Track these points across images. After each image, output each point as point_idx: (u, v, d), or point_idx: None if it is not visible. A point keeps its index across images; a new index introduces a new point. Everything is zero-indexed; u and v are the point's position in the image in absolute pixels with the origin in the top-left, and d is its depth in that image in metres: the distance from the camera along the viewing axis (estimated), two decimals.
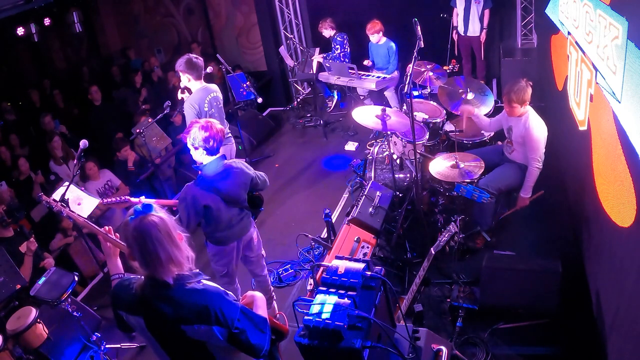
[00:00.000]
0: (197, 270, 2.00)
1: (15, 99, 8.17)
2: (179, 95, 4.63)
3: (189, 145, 3.09)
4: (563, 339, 3.32)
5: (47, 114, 6.94)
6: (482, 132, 4.83)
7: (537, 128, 3.92)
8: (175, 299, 1.89)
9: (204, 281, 1.99)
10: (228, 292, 2.02)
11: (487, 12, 6.79)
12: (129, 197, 3.33)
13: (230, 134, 4.58)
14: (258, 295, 2.29)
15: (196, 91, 4.34)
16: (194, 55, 4.35)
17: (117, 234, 2.37)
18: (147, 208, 1.87)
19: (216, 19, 9.46)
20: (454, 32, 7.02)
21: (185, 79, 4.34)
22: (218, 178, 3.12)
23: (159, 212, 1.88)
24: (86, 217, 3.99)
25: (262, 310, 2.21)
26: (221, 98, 4.50)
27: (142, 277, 1.93)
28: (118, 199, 3.38)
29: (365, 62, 6.73)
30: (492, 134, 4.75)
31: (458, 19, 6.95)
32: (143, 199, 3.30)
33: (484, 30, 6.84)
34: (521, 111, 4.00)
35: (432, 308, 3.79)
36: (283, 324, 2.41)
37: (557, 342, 3.32)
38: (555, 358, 3.27)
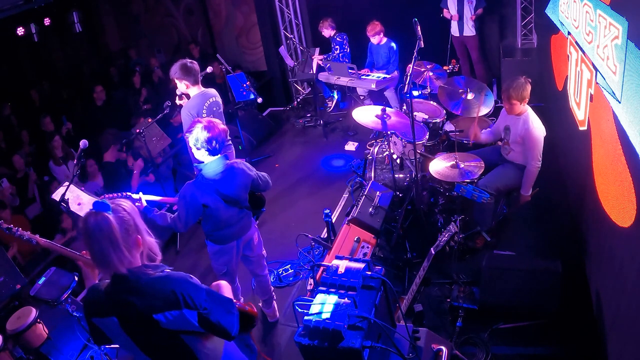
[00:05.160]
0: (160, 264, 2.02)
1: (16, 99, 8.17)
2: (177, 102, 4.54)
3: (191, 145, 3.08)
4: (563, 339, 3.32)
5: (47, 115, 6.94)
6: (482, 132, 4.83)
7: (537, 128, 3.92)
8: (142, 289, 1.90)
9: (167, 270, 2.01)
10: (192, 276, 2.03)
11: (480, 10, 6.77)
12: (130, 194, 3.33)
13: (230, 141, 4.51)
14: (223, 283, 2.32)
15: (194, 97, 4.18)
16: (189, 60, 4.17)
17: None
18: (102, 207, 1.86)
19: (216, 19, 9.46)
20: (454, 16, 6.95)
21: (183, 86, 4.16)
22: (218, 178, 3.12)
23: (112, 213, 1.86)
24: None
25: (227, 294, 2.22)
26: (221, 102, 4.37)
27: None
28: (119, 194, 3.38)
29: (363, 71, 6.73)
30: None
31: (452, 21, 6.93)
32: (142, 195, 3.32)
33: (473, 16, 6.75)
34: (521, 109, 3.99)
35: (432, 308, 3.79)
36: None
37: (557, 342, 3.32)
38: (555, 358, 3.27)
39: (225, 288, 2.27)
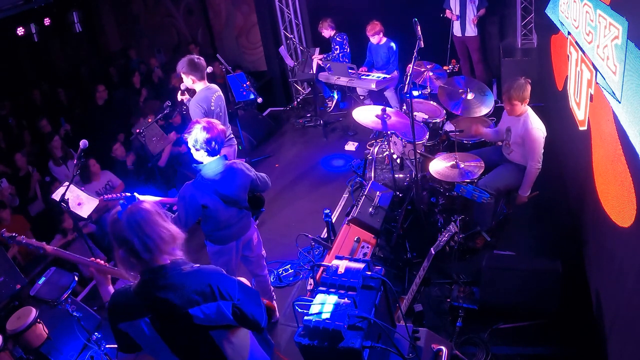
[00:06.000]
0: (185, 259, 2.04)
1: (16, 99, 8.18)
2: (179, 97, 4.60)
3: (190, 146, 3.08)
4: (563, 339, 3.32)
5: (44, 118, 6.95)
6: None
7: (536, 129, 3.91)
8: (177, 284, 1.91)
9: (195, 265, 2.03)
10: (221, 269, 2.07)
11: (482, 10, 6.77)
12: (127, 194, 3.33)
13: (232, 136, 4.57)
14: (243, 279, 2.34)
15: (201, 91, 4.30)
16: (195, 56, 4.30)
17: (103, 261, 2.41)
18: (132, 199, 1.92)
19: (216, 19, 9.46)
20: (454, 16, 6.95)
21: (189, 81, 4.28)
22: (217, 179, 3.12)
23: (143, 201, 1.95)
24: (86, 217, 4.00)
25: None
26: (223, 97, 4.49)
27: (137, 278, 1.95)
28: (118, 195, 3.38)
29: (362, 70, 6.73)
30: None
31: (453, 21, 6.93)
32: (140, 196, 3.32)
33: (475, 18, 6.75)
34: (521, 109, 3.99)
35: (432, 308, 3.79)
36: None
37: (557, 342, 3.32)
38: (555, 358, 3.27)
39: (246, 282, 2.29)
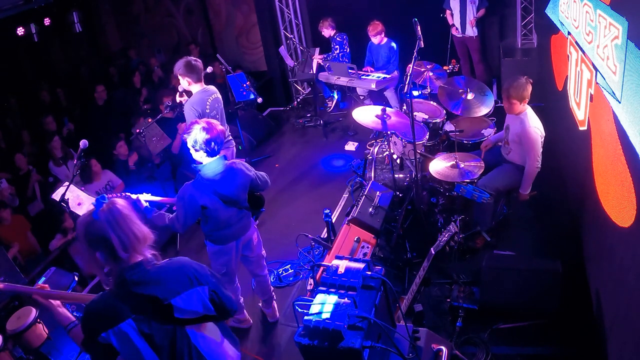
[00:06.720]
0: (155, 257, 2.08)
1: (20, 98, 8.18)
2: (177, 99, 4.60)
3: (189, 147, 3.08)
4: (563, 339, 3.32)
5: (49, 115, 6.95)
6: (482, 132, 4.83)
7: (534, 127, 3.91)
8: (155, 278, 1.96)
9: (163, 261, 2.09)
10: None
11: (482, 11, 6.78)
12: (128, 194, 3.33)
13: (230, 137, 4.56)
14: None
15: (197, 93, 4.28)
16: (193, 58, 4.29)
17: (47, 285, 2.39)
18: (103, 198, 1.97)
19: (216, 19, 9.46)
20: (453, 28, 6.99)
21: (185, 83, 4.28)
22: (217, 179, 3.12)
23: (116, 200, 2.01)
24: None
25: None
26: (221, 99, 4.47)
27: (110, 284, 1.97)
28: (117, 194, 3.38)
29: (366, 69, 6.73)
30: (492, 133, 4.75)
31: (454, 19, 6.94)
32: (141, 196, 3.33)
33: (474, 19, 6.75)
34: (520, 108, 3.99)
35: (432, 308, 3.79)
36: None
37: (557, 342, 3.32)
38: (555, 358, 3.27)
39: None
